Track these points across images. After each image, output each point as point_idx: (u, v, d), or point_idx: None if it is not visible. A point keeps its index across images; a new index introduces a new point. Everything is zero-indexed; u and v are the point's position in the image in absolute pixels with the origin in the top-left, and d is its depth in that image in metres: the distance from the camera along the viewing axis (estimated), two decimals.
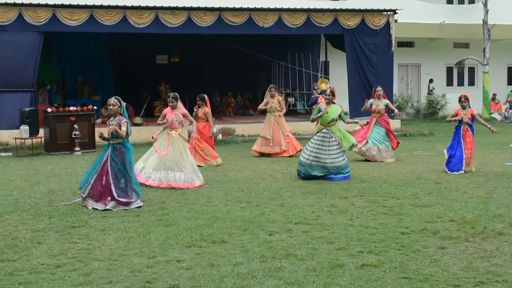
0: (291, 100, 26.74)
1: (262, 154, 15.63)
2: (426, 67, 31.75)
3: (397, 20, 22.75)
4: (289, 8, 21.57)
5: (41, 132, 17.29)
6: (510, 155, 15.51)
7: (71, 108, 17.39)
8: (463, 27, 29.01)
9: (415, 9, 28.36)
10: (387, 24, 22.24)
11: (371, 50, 22.19)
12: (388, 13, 22.29)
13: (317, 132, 12.02)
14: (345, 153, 12.02)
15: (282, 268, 6.15)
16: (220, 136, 19.23)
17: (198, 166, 12.22)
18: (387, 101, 14.96)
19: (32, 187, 11.19)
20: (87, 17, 19.14)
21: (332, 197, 9.99)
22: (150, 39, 23.44)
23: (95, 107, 18.15)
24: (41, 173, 13.12)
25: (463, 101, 12.78)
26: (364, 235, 7.42)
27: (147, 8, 19.80)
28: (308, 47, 26.34)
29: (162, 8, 19.97)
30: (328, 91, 12.39)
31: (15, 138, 16.64)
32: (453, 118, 12.88)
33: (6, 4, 18.60)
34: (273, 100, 15.67)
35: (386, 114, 14.98)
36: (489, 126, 13.10)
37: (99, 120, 20.20)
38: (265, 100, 15.87)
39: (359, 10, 22.17)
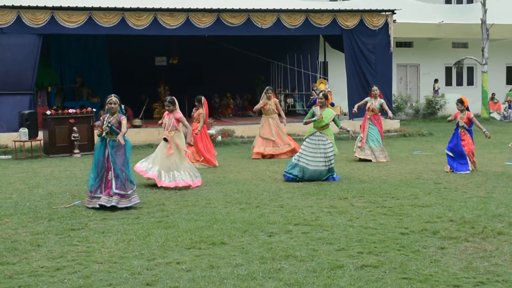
0: (290, 101, 26.75)
1: (264, 156, 15.56)
2: (425, 67, 31.77)
3: (395, 20, 22.76)
4: (287, 9, 21.57)
5: (40, 134, 17.27)
6: (509, 154, 15.52)
7: (70, 111, 17.39)
8: (462, 27, 29.03)
9: (413, 9, 28.38)
10: (386, 24, 22.24)
11: (369, 51, 22.19)
12: (387, 13, 22.29)
13: (309, 134, 12.00)
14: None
15: (282, 270, 6.15)
16: (219, 138, 19.23)
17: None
18: (382, 101, 15.03)
19: (31, 190, 11.18)
20: (86, 19, 19.14)
21: (331, 198, 9.99)
22: (149, 41, 23.45)
23: (94, 109, 18.12)
24: (41, 175, 13.11)
25: (457, 103, 12.92)
26: (363, 236, 7.42)
27: (145, 9, 19.80)
28: (306, 47, 26.34)
29: (160, 9, 19.97)
30: (321, 95, 12.38)
31: (14, 141, 16.62)
32: (451, 120, 13.03)
33: (4, 6, 18.61)
34: (270, 102, 15.65)
35: (379, 114, 15.03)
36: (484, 130, 13.00)
37: (98, 122, 20.16)
38: (261, 102, 15.82)
39: (358, 11, 22.17)
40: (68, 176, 12.91)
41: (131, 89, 24.68)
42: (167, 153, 11.30)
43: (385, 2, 24.74)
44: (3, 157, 16.59)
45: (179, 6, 20.56)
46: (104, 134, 9.57)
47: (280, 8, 21.46)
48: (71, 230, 7.97)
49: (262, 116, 16.00)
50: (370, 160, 14.48)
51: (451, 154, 12.78)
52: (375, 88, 15.19)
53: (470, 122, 12.76)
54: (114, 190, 9.33)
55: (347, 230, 7.72)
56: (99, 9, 19.26)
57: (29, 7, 18.75)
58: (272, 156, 15.52)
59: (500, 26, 28.69)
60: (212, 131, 19.20)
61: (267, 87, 16.20)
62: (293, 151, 15.11)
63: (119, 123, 9.51)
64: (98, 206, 9.27)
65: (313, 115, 12.00)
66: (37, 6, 18.88)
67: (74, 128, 16.77)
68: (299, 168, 11.76)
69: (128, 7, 19.60)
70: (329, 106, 17.68)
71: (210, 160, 14.07)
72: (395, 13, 22.48)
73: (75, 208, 9.38)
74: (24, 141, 16.59)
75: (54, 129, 16.77)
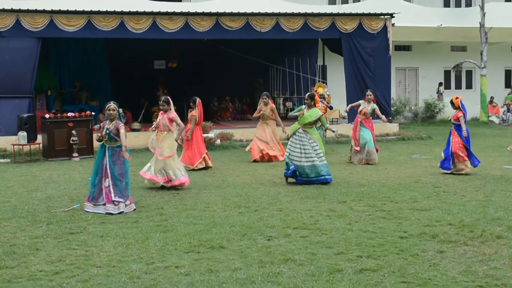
0: (289, 104, 26.76)
1: (262, 158, 15.58)
2: (424, 71, 31.79)
3: (394, 23, 22.79)
4: (286, 12, 21.60)
5: (39, 138, 17.28)
6: (508, 158, 15.52)
7: (69, 114, 17.37)
8: (460, 31, 29.06)
9: (412, 13, 28.40)
10: (385, 28, 22.27)
11: (368, 54, 22.22)
12: (385, 17, 22.33)
13: (293, 133, 12.03)
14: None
15: (281, 273, 6.15)
16: (218, 141, 19.23)
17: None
18: (375, 106, 15.16)
19: (30, 194, 11.17)
20: (85, 23, 19.15)
21: (330, 202, 9.98)
22: (148, 45, 23.46)
23: (93, 113, 18.12)
24: (39, 179, 13.10)
25: (450, 104, 13.14)
26: (362, 240, 7.42)
27: (144, 13, 19.82)
28: (305, 51, 26.36)
29: (159, 13, 19.99)
30: (307, 95, 12.41)
31: (13, 145, 16.61)
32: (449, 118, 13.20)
33: (3, 10, 18.60)
34: (266, 108, 15.69)
35: (370, 118, 15.19)
36: (464, 129, 12.89)
37: (97, 126, 20.13)
38: (258, 108, 15.86)
39: (356, 14, 22.21)
40: (67, 180, 12.90)
41: (130, 93, 24.75)
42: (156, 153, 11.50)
43: (383, 6, 24.77)
44: (1, 160, 16.58)
45: (178, 10, 20.58)
46: (103, 140, 9.63)
47: (279, 12, 21.49)
48: (69, 234, 7.97)
49: (259, 121, 16.07)
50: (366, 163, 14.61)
51: (443, 156, 12.94)
52: (369, 92, 15.31)
53: (458, 120, 12.85)
54: (114, 198, 9.41)
55: (346, 234, 7.72)
56: (98, 12, 19.27)
57: (28, 11, 18.76)
58: (268, 158, 15.53)
59: (499, 29, 28.73)
60: (211, 134, 19.21)
61: (263, 93, 16.22)
62: (281, 158, 15.38)
63: (117, 130, 9.57)
64: (105, 213, 9.31)
65: (300, 110, 12.13)
66: (36, 9, 18.90)
67: (73, 131, 16.76)
68: (294, 166, 11.82)
69: (127, 10, 19.61)
70: (328, 109, 17.79)
71: (192, 160, 14.06)
72: (394, 17, 22.52)
73: (74, 212, 9.37)
74: (23, 145, 16.58)
75: (53, 133, 16.76)
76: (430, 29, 28.70)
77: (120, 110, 9.93)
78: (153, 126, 11.98)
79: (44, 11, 18.88)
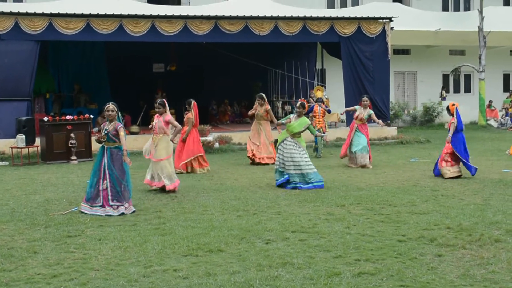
0: (287, 108, 26.76)
1: (253, 161, 15.68)
2: (422, 75, 31.84)
3: (393, 27, 22.81)
4: (285, 16, 21.61)
5: (38, 141, 17.26)
6: (507, 161, 15.53)
7: (68, 117, 17.36)
8: (459, 35, 29.12)
9: (411, 17, 28.46)
10: (383, 31, 22.28)
11: (367, 58, 22.23)
12: (384, 20, 22.35)
13: (281, 141, 12.07)
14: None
15: (279, 277, 6.14)
16: (216, 144, 19.22)
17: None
18: (371, 111, 15.30)
19: (28, 197, 11.16)
20: (84, 26, 19.15)
21: (329, 205, 9.98)
22: (147, 48, 23.47)
23: (91, 116, 18.12)
24: (38, 182, 13.09)
25: (447, 109, 13.23)
26: (361, 243, 7.42)
27: (143, 16, 19.82)
28: (304, 55, 26.37)
29: (158, 16, 19.99)
30: (298, 104, 12.43)
31: (12, 147, 16.61)
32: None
33: (2, 13, 18.60)
34: (261, 109, 15.82)
35: (366, 123, 15.31)
36: (449, 135, 12.96)
37: (95, 129, 20.17)
38: (254, 107, 16.07)
39: (355, 18, 22.22)
40: (65, 183, 12.89)
41: (129, 96, 24.73)
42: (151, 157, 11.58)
43: (382, 10, 24.83)
44: (0, 163, 16.56)
45: (177, 13, 20.60)
46: (102, 141, 9.67)
47: (278, 16, 21.50)
48: (67, 237, 7.96)
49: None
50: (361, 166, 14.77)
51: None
52: (365, 98, 15.39)
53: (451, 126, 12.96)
54: (111, 203, 9.45)
55: (344, 238, 7.71)
56: (97, 16, 19.28)
57: (27, 14, 18.76)
58: (258, 160, 15.66)
59: (497, 33, 28.78)
60: (209, 138, 19.21)
61: (258, 94, 16.33)
62: (273, 160, 15.44)
63: (116, 131, 9.61)
64: (104, 215, 9.34)
65: (287, 119, 12.23)
66: (35, 12, 18.90)
67: (72, 134, 16.76)
68: (279, 172, 11.92)
69: (126, 14, 19.62)
70: (326, 113, 17.82)
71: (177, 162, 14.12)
72: (393, 21, 22.53)
73: (72, 215, 9.36)
74: (21, 148, 16.56)
75: (51, 136, 16.75)
76: (429, 33, 28.75)
77: (119, 113, 9.96)
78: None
79: (43, 14, 18.88)
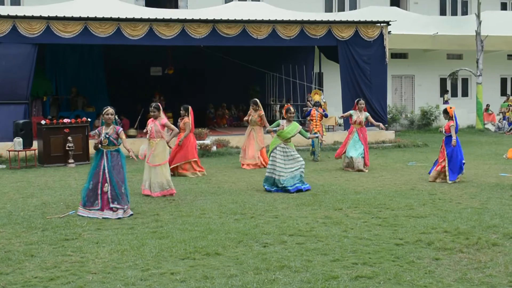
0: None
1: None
2: (420, 78, 31.86)
3: (390, 31, 22.83)
4: (283, 20, 21.63)
5: (35, 144, 17.24)
6: (504, 165, 15.54)
7: (65, 120, 17.34)
8: (456, 39, 29.15)
9: (408, 21, 28.50)
10: (381, 35, 22.30)
11: (365, 62, 22.24)
12: (382, 24, 22.36)
13: (274, 148, 12.10)
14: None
15: (276, 280, 6.14)
16: (214, 148, 19.22)
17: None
18: (367, 114, 15.45)
19: (25, 200, 11.14)
20: (81, 29, 19.13)
21: (326, 209, 9.98)
22: (145, 51, 23.47)
23: (89, 119, 18.11)
24: (35, 185, 13.08)
25: (443, 114, 13.29)
26: (358, 247, 7.42)
27: (141, 20, 19.82)
28: (302, 58, 26.37)
29: (156, 20, 19.99)
30: (291, 109, 12.41)
31: (9, 151, 16.58)
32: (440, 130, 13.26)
33: (0, 16, 18.59)
34: (254, 114, 15.93)
35: (364, 126, 15.34)
36: (453, 138, 12.93)
37: (93, 132, 20.16)
38: (249, 112, 16.28)
39: (353, 22, 22.25)
40: (63, 186, 12.88)
41: (127, 99, 24.71)
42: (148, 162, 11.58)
43: (380, 14, 24.83)
44: None
45: (174, 17, 20.60)
46: (100, 146, 9.69)
47: (276, 19, 21.52)
48: (65, 240, 7.95)
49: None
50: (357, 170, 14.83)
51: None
52: (362, 102, 15.47)
53: (456, 128, 12.97)
54: (112, 205, 9.50)
55: (341, 241, 7.71)
56: (95, 19, 19.26)
57: (24, 17, 18.74)
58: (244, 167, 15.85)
59: (495, 38, 28.83)
60: (207, 141, 19.21)
61: (252, 100, 16.42)
62: (255, 166, 15.74)
63: (117, 134, 9.75)
64: (101, 218, 9.36)
65: (279, 125, 12.18)
66: (32, 16, 18.89)
67: (69, 138, 16.74)
68: (271, 180, 11.93)
69: (124, 17, 19.61)
70: (323, 117, 17.83)
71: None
72: (390, 25, 22.55)
73: (69, 218, 9.36)
74: (18, 151, 16.55)
75: (48, 139, 16.73)
76: (426, 37, 28.78)
77: (116, 117, 10.02)
78: (145, 131, 12.03)
79: (40, 18, 18.86)
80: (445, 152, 12.87)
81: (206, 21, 20.49)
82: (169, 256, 7.11)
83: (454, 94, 32.61)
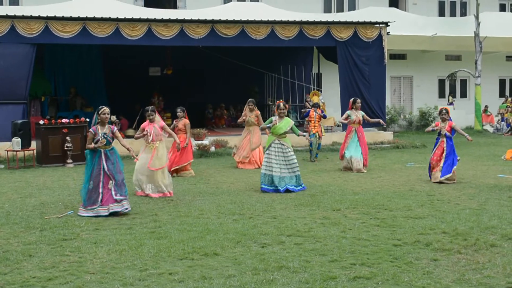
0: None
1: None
2: (418, 79, 31.88)
3: (389, 32, 22.84)
4: (281, 20, 21.64)
5: (33, 144, 17.24)
6: (502, 167, 15.55)
7: (64, 120, 17.34)
8: (455, 40, 29.17)
9: (407, 22, 28.50)
10: (380, 36, 22.31)
11: (363, 62, 22.25)
12: (380, 25, 22.37)
13: (269, 144, 12.17)
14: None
15: (274, 281, 6.14)
16: (212, 148, 19.22)
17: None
18: (362, 112, 15.51)
19: (23, 200, 11.14)
20: (80, 29, 19.12)
21: (324, 209, 9.98)
22: (143, 51, 23.45)
23: (87, 119, 18.09)
24: (33, 185, 13.07)
25: (444, 113, 13.23)
26: (356, 247, 7.42)
27: (139, 20, 19.81)
28: (300, 59, 26.40)
29: (154, 20, 19.98)
30: (281, 105, 12.48)
31: (7, 151, 16.56)
32: (432, 129, 13.15)
33: None
34: (251, 114, 15.93)
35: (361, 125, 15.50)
36: (466, 135, 13.27)
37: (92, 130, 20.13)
38: (244, 113, 16.25)
39: (352, 23, 22.25)
40: (61, 186, 12.87)
41: (125, 99, 24.70)
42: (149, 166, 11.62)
43: (379, 15, 24.85)
44: None
45: (173, 17, 20.59)
46: (97, 146, 9.74)
47: (274, 20, 21.53)
48: (63, 240, 7.95)
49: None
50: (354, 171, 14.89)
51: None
52: (359, 101, 15.60)
53: (453, 131, 13.00)
54: (115, 197, 9.62)
55: (340, 242, 7.71)
56: (93, 19, 19.25)
57: (23, 17, 18.72)
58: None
59: (493, 39, 28.85)
60: (205, 141, 19.21)
61: (249, 100, 16.39)
62: (250, 164, 15.83)
63: (113, 133, 9.92)
64: (107, 214, 9.49)
65: (271, 122, 12.29)
66: (31, 15, 18.88)
67: (67, 138, 16.74)
68: (268, 177, 11.95)
69: (123, 17, 19.60)
70: (322, 117, 17.84)
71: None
72: (389, 25, 22.57)
73: (68, 218, 9.35)
74: (17, 151, 16.54)
75: (47, 139, 16.73)
76: (425, 38, 28.80)
77: (114, 117, 10.14)
78: (139, 135, 11.95)
79: (39, 17, 18.84)
80: (446, 152, 12.92)
81: (205, 22, 20.50)
82: (167, 256, 7.10)
83: (453, 95, 32.62)
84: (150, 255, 7.14)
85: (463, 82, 32.83)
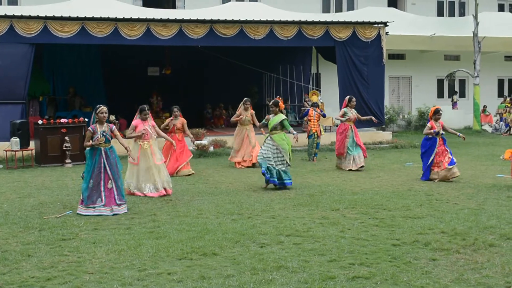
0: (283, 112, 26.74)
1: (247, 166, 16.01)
2: (417, 79, 31.90)
3: (388, 32, 22.86)
4: (280, 20, 21.64)
5: (32, 144, 17.23)
6: (501, 166, 15.55)
7: (62, 120, 17.33)
8: (454, 40, 29.18)
9: (406, 22, 28.51)
10: (378, 36, 22.33)
11: (362, 62, 22.27)
12: (379, 25, 22.39)
13: (266, 137, 12.57)
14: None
15: (273, 281, 6.14)
16: (211, 148, 19.22)
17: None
18: (355, 110, 15.74)
19: (22, 200, 11.13)
20: (79, 29, 19.12)
21: (323, 209, 9.98)
22: (142, 51, 23.45)
23: (86, 119, 18.07)
24: (32, 185, 13.06)
25: (440, 113, 13.38)
26: (355, 247, 7.42)
27: (138, 20, 19.81)
28: (299, 59, 26.40)
29: (153, 20, 19.98)
30: (271, 103, 12.75)
31: (6, 151, 16.56)
32: (432, 131, 13.13)
33: None
34: (247, 113, 15.98)
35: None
36: (458, 134, 13.49)
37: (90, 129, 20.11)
38: (237, 112, 16.29)
39: (350, 23, 22.26)
40: (60, 186, 12.86)
41: (124, 99, 24.69)
42: (137, 163, 11.66)
43: (377, 14, 24.86)
44: None
45: (172, 17, 20.60)
46: (96, 144, 9.77)
47: (273, 20, 21.53)
48: (62, 240, 7.94)
49: (237, 127, 16.29)
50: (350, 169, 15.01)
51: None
52: (354, 99, 15.83)
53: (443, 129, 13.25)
54: (118, 202, 9.76)
55: (338, 241, 7.71)
56: (92, 19, 19.25)
57: (22, 17, 18.72)
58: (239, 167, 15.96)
59: (492, 39, 28.88)
60: (204, 141, 19.21)
61: (245, 99, 16.42)
62: (249, 163, 15.95)
63: (112, 131, 10.01)
64: (111, 214, 9.57)
65: (267, 121, 12.68)
66: (30, 15, 18.87)
67: (66, 137, 16.73)
68: (266, 166, 12.12)
69: (121, 17, 19.60)
70: (322, 117, 17.86)
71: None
72: (388, 25, 22.58)
73: (66, 218, 9.35)
74: (15, 151, 16.52)
75: (45, 139, 16.72)
76: (424, 38, 28.81)
77: (113, 117, 10.19)
78: (131, 134, 11.93)
79: (37, 17, 18.84)
80: (447, 148, 13.04)
81: (203, 21, 20.50)
82: (166, 256, 7.10)
83: (451, 95, 32.63)
84: (149, 255, 7.14)
85: (462, 82, 32.85)
